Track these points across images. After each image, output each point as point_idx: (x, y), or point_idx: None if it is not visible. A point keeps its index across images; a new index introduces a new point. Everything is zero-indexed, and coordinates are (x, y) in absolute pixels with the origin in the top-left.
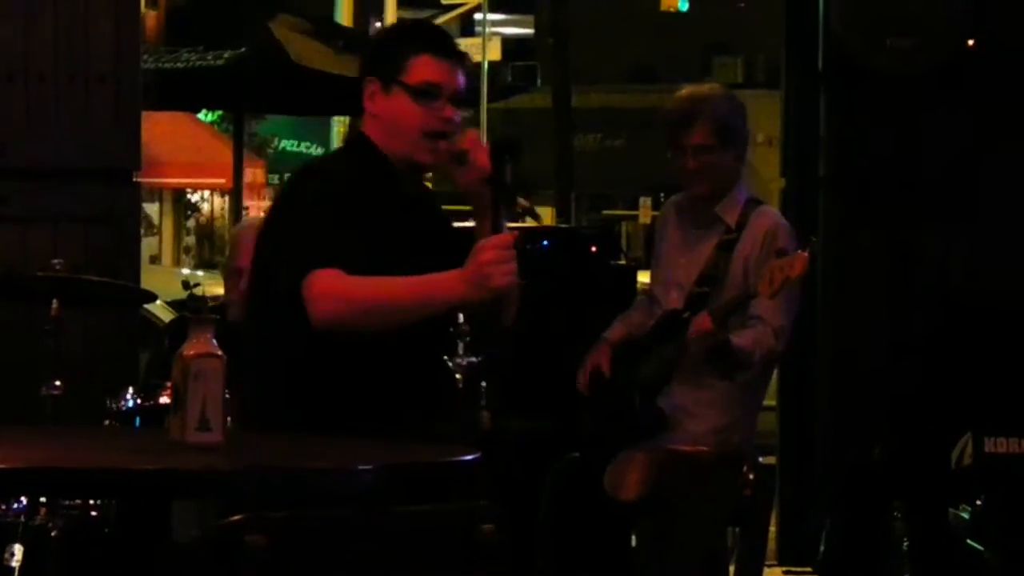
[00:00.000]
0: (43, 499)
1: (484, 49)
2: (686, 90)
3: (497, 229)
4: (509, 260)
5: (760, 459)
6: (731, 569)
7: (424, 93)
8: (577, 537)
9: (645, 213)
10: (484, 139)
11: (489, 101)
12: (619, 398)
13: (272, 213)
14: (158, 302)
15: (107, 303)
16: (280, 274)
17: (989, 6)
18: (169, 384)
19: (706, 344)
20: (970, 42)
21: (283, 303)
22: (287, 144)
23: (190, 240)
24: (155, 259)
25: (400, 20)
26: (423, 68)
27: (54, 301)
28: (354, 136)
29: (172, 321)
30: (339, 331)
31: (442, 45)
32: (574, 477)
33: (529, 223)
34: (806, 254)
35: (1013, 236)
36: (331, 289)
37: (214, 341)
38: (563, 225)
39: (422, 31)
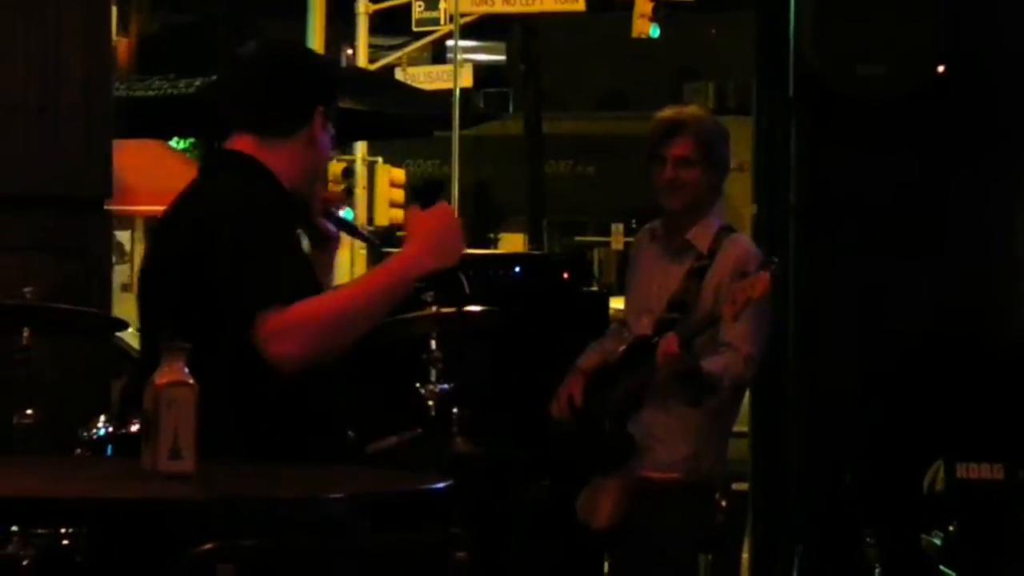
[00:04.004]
0: (14, 528)
1: (456, 76)
2: (673, 108)
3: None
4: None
5: (732, 485)
6: None
7: (336, 135)
8: (550, 564)
9: (617, 239)
10: (456, 167)
11: (461, 128)
12: (590, 425)
13: (198, 243)
14: (130, 330)
15: (78, 331)
16: (226, 315)
17: (960, 33)
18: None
19: (674, 368)
20: (940, 69)
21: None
22: None
23: None
24: (127, 287)
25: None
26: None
27: (25, 330)
28: (247, 164)
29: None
30: (307, 365)
31: None
32: (547, 504)
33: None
34: (767, 275)
35: (982, 264)
36: (286, 329)
37: (186, 369)
38: (535, 252)
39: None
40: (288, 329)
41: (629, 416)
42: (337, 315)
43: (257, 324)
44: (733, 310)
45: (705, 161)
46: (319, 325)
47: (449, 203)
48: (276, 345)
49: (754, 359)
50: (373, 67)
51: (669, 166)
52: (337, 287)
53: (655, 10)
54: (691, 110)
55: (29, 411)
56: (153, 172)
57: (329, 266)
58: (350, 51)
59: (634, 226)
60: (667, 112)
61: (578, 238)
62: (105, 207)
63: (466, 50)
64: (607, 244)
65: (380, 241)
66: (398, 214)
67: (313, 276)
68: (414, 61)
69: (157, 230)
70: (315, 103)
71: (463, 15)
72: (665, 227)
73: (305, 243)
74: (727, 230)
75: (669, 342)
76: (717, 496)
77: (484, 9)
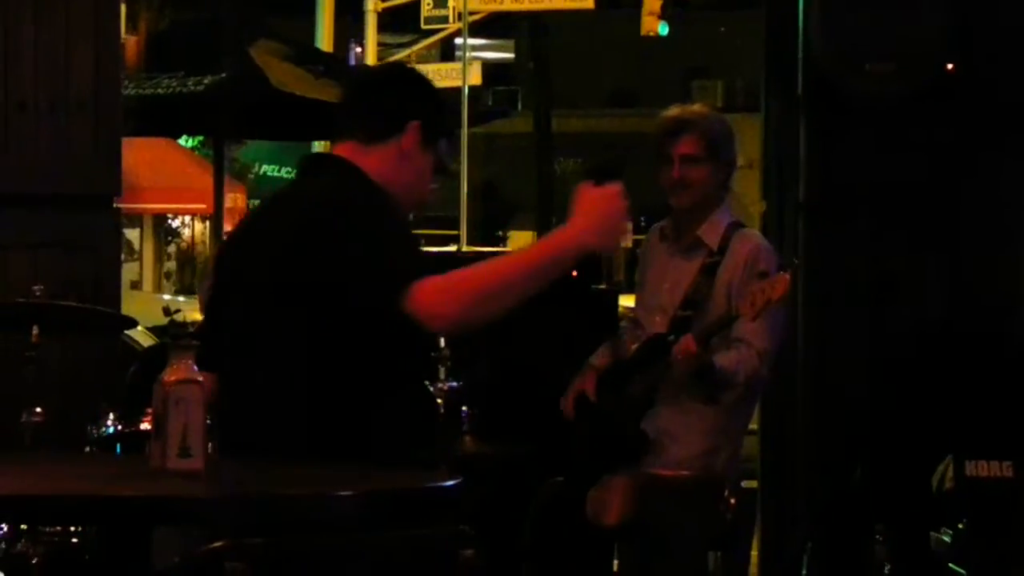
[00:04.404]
0: (23, 526)
1: (465, 74)
2: (678, 107)
3: None
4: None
5: (742, 483)
6: None
7: (443, 168)
8: (560, 562)
9: (626, 237)
10: (465, 165)
11: (470, 126)
12: (603, 422)
13: (306, 241)
14: (139, 328)
15: (87, 329)
16: (370, 293)
17: (968, 30)
18: (150, 410)
19: (690, 366)
20: (949, 66)
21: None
22: (268, 169)
23: (171, 265)
24: (136, 285)
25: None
26: (447, 147)
27: (34, 327)
28: (343, 165)
29: (147, 349)
30: (461, 327)
31: None
32: (558, 502)
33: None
34: (787, 276)
35: (992, 261)
36: (442, 288)
37: (195, 367)
38: None
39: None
40: (446, 290)
41: (643, 414)
42: (493, 281)
43: (411, 291)
44: (753, 311)
45: (711, 158)
46: (476, 288)
47: (620, 185)
48: (433, 306)
49: (769, 355)
50: None
51: (676, 165)
52: (496, 256)
53: (664, 8)
54: (696, 108)
55: (38, 409)
56: (162, 170)
57: None
58: (359, 49)
59: (643, 224)
60: (672, 111)
61: None
62: (114, 205)
63: (475, 48)
64: None
65: None
66: None
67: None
68: (423, 59)
69: (247, 232)
70: (410, 115)
71: (472, 13)
72: (674, 225)
73: None
74: (736, 225)
75: (686, 342)
76: (727, 493)
77: (493, 7)
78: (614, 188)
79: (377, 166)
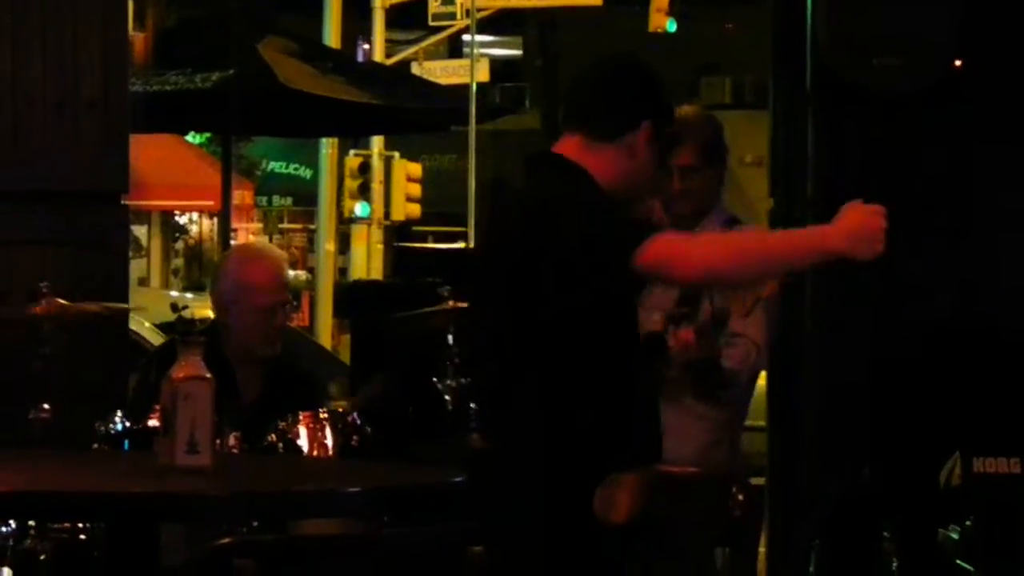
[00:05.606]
0: (32, 523)
1: (472, 70)
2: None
3: None
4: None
5: (749, 480)
6: None
7: (665, 161)
8: (566, 559)
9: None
10: (472, 162)
11: (478, 123)
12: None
13: (539, 237)
14: (146, 324)
15: (95, 325)
16: (611, 257)
17: (976, 26)
18: (158, 407)
19: (690, 356)
20: (957, 62)
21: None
22: (275, 166)
23: (178, 262)
24: (143, 281)
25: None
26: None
27: (43, 324)
28: (565, 166)
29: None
30: (710, 281)
31: None
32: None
33: None
34: None
35: (999, 257)
36: (686, 236)
37: (203, 364)
38: None
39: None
40: (690, 237)
41: None
42: (742, 244)
43: (649, 242)
44: (743, 308)
45: (709, 163)
46: (725, 244)
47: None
48: (676, 250)
49: (767, 347)
50: (389, 62)
51: (677, 177)
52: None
53: (672, 4)
54: (687, 113)
55: (46, 406)
56: (169, 167)
57: None
58: (366, 46)
59: None
60: None
61: None
62: (123, 201)
63: (483, 44)
64: None
65: None
66: (414, 209)
67: None
68: (430, 55)
69: (492, 234)
70: (644, 115)
71: (480, 9)
72: (673, 227)
73: None
74: (733, 221)
75: (685, 334)
76: (735, 490)
77: (501, 3)
78: (879, 207)
79: (604, 165)
